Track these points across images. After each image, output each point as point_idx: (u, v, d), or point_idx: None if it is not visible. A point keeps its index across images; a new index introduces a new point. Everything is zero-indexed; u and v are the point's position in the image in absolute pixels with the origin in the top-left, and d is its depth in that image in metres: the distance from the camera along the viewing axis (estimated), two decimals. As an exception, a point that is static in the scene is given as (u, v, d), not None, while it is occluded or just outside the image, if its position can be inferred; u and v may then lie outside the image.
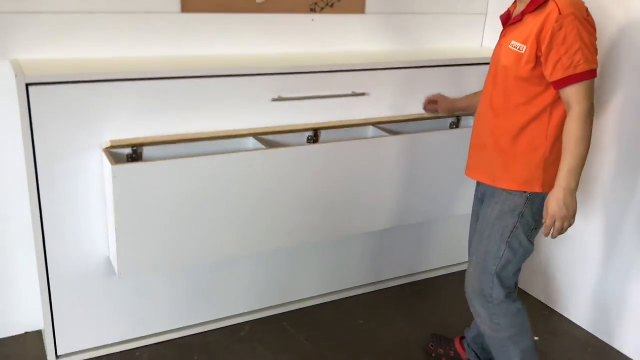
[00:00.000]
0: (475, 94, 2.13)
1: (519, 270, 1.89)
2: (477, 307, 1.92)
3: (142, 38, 2.11)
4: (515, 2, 1.86)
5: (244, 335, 2.33)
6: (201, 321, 2.33)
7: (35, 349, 2.17)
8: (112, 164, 1.80)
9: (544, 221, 1.72)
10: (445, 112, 2.33)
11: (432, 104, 2.32)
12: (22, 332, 2.25)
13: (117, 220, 1.85)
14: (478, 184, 1.99)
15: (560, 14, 1.63)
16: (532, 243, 1.85)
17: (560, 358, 2.31)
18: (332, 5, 2.41)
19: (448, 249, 2.84)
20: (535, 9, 1.70)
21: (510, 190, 1.80)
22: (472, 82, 2.42)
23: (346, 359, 2.23)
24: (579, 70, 1.64)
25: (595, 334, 2.44)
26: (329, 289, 2.58)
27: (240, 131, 2.11)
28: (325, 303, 2.55)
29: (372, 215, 2.35)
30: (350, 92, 2.27)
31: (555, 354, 2.33)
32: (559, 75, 1.66)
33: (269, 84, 2.11)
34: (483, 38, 2.82)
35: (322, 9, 2.39)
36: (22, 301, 2.21)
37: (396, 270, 2.74)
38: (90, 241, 2.01)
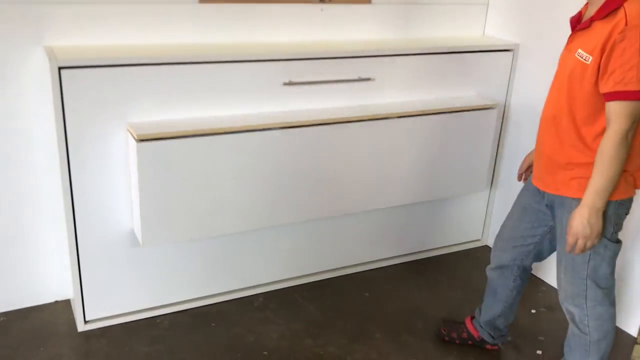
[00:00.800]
0: None
1: (613, 269, 1.83)
2: (570, 307, 1.88)
3: (163, 27, 2.27)
4: (587, 2, 1.77)
5: (258, 305, 2.49)
6: (217, 292, 2.49)
7: (65, 316, 2.35)
8: (136, 140, 1.95)
9: (567, 237, 1.72)
10: None
11: (527, 172, 2.10)
12: (53, 300, 2.43)
13: (141, 195, 2.01)
14: (534, 187, 1.92)
15: (626, 24, 1.56)
16: (617, 241, 1.80)
17: (556, 329, 2.44)
18: (340, -4, 2.55)
19: (462, 226, 3.01)
20: (606, 16, 1.63)
21: (580, 199, 1.70)
22: (478, 69, 2.59)
23: (352, 326, 2.38)
24: (629, 87, 1.58)
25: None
26: (339, 263, 2.74)
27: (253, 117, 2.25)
28: (334, 277, 2.71)
29: (384, 192, 2.53)
30: (356, 77, 2.41)
31: (551, 325, 2.47)
32: (608, 87, 1.61)
33: (280, 69, 2.26)
34: (485, 27, 2.94)
35: (331, -1, 2.54)
36: (53, 271, 2.38)
37: (407, 246, 2.89)
38: (116, 214, 2.17)
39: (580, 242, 1.68)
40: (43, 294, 2.41)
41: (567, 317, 1.92)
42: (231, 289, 2.52)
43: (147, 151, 1.96)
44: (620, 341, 2.36)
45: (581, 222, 1.66)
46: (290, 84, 2.28)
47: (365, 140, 2.39)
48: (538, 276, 2.80)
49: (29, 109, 2.16)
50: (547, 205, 1.89)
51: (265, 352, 2.22)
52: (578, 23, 1.78)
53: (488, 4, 2.91)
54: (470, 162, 2.67)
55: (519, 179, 2.12)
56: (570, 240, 1.69)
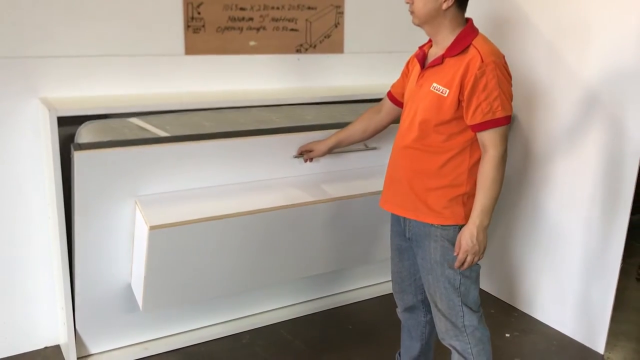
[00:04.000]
0: (347, 129, 2.15)
1: (478, 289, 1.92)
2: (452, 342, 1.92)
3: (152, 77, 2.40)
4: (430, 41, 1.91)
5: (245, 343, 2.56)
6: (206, 331, 2.57)
7: (56, 361, 2.38)
8: (148, 228, 1.94)
9: (455, 254, 1.79)
10: (322, 155, 2.24)
11: (307, 153, 2.24)
12: (42, 346, 2.45)
13: (146, 273, 2.04)
14: (397, 221, 1.98)
15: (482, 61, 1.70)
16: (477, 262, 1.86)
17: (530, 350, 2.59)
18: (315, 47, 2.75)
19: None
20: (457, 54, 1.76)
21: (445, 225, 1.82)
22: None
23: (340, 358, 2.48)
24: (497, 115, 1.72)
25: (561, 330, 2.73)
26: (321, 300, 2.85)
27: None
28: (316, 312, 2.81)
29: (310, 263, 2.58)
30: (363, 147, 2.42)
31: (525, 347, 2.62)
32: (477, 119, 1.73)
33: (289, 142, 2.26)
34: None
35: (307, 49, 2.73)
36: (42, 318, 2.41)
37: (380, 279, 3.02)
38: (114, 267, 2.20)
39: (469, 258, 1.77)
40: (33, 340, 2.43)
41: (451, 350, 1.95)
42: (220, 330, 2.59)
43: (158, 237, 1.99)
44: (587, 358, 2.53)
45: (471, 239, 1.75)
46: (301, 156, 2.29)
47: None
48: (510, 303, 2.96)
49: (22, 158, 2.24)
50: (409, 239, 1.94)
51: (258, 386, 2.29)
52: (423, 59, 1.89)
53: (449, 52, 3.14)
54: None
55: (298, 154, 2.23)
56: (461, 256, 1.77)
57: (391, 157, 1.97)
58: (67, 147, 2.12)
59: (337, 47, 2.81)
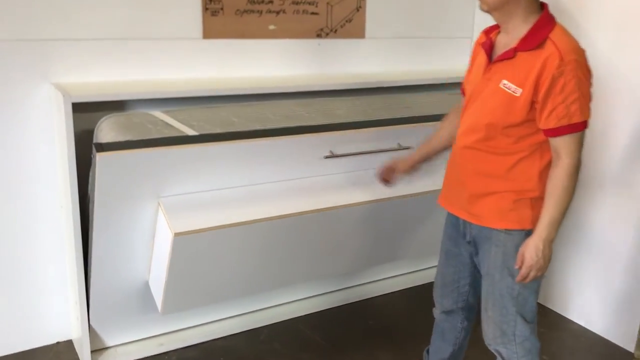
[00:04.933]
0: (431, 139, 1.96)
1: (536, 301, 1.77)
2: (499, 348, 1.79)
3: (168, 62, 2.30)
4: (496, 28, 1.73)
5: (263, 338, 2.48)
6: (224, 324, 2.49)
7: (68, 357, 2.28)
8: (172, 234, 1.84)
9: (517, 266, 1.65)
10: (407, 173, 2.00)
11: (389, 172, 2.00)
12: (54, 341, 2.36)
13: (168, 278, 1.95)
14: (453, 224, 1.85)
15: (561, 59, 1.53)
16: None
17: (558, 347, 2.51)
18: (335, 31, 2.64)
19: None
20: (533, 49, 1.58)
21: (509, 230, 1.68)
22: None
23: (361, 355, 2.40)
24: (574, 120, 1.56)
25: (589, 328, 2.64)
26: (340, 294, 2.76)
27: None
28: (334, 307, 2.72)
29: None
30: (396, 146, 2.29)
31: (553, 345, 2.53)
32: (551, 123, 1.58)
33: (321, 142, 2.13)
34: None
35: (327, 34, 2.62)
36: (53, 312, 2.32)
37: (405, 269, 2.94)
38: (132, 265, 2.10)
39: (533, 273, 1.63)
40: (44, 335, 2.34)
41: (497, 356, 1.83)
42: (238, 324, 2.51)
43: (182, 244, 1.89)
44: (616, 356, 2.45)
45: (536, 254, 1.61)
46: (332, 156, 2.16)
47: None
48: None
49: (33, 146, 2.14)
50: (468, 242, 1.81)
51: (279, 384, 2.21)
52: (490, 49, 1.69)
53: (472, 38, 3.03)
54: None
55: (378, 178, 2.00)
56: (524, 271, 1.63)
57: (451, 156, 1.82)
58: (81, 135, 2.03)
59: (358, 32, 2.70)
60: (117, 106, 2.18)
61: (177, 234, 1.85)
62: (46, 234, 2.24)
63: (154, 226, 2.00)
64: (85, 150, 2.01)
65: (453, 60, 3.02)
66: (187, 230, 1.87)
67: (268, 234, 2.05)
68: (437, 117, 2.30)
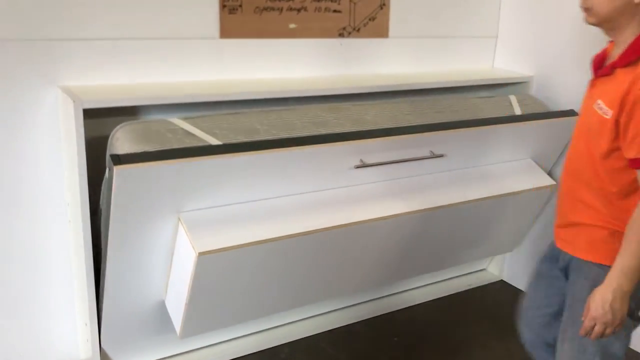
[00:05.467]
0: None
1: (626, 348, 1.56)
2: None
3: (182, 63, 2.13)
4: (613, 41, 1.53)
5: (285, 357, 2.32)
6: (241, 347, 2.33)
7: (77, 380, 2.13)
8: (196, 250, 1.69)
9: (582, 318, 1.46)
10: None
11: None
12: (61, 363, 2.20)
13: (189, 300, 1.80)
14: (551, 246, 1.71)
15: None
16: (634, 314, 1.51)
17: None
18: (358, 30, 2.48)
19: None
20: (628, 64, 1.40)
21: (601, 265, 1.50)
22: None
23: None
24: None
25: None
26: (361, 308, 2.62)
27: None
28: (357, 322, 2.57)
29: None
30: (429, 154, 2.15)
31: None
32: (632, 152, 1.38)
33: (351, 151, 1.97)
34: (494, 60, 2.92)
35: (350, 33, 2.46)
36: (63, 331, 2.16)
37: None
38: (148, 284, 1.94)
39: (598, 328, 1.42)
40: (51, 357, 2.17)
41: None
42: (252, 339, 2.36)
43: (206, 264, 1.74)
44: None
45: (602, 305, 1.39)
46: (363, 166, 2.00)
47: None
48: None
49: (38, 154, 1.97)
50: (561, 269, 1.65)
51: (305, 410, 2.06)
52: (600, 65, 1.54)
53: (497, 37, 2.89)
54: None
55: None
56: (587, 324, 1.43)
57: (561, 181, 1.66)
58: (91, 143, 1.86)
59: (382, 31, 2.54)
60: (129, 111, 2.02)
61: (201, 254, 1.69)
62: (52, 251, 2.07)
63: (172, 243, 1.84)
64: (96, 160, 1.85)
65: (477, 60, 2.87)
66: (211, 249, 1.72)
67: (296, 251, 1.90)
68: (472, 123, 2.17)
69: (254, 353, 2.32)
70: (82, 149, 1.79)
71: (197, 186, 1.76)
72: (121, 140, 1.74)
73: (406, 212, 2.06)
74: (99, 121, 1.91)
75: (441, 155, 2.15)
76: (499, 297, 2.85)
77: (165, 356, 2.21)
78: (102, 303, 1.93)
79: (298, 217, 1.89)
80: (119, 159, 1.60)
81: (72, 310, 2.14)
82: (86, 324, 2.02)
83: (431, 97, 2.52)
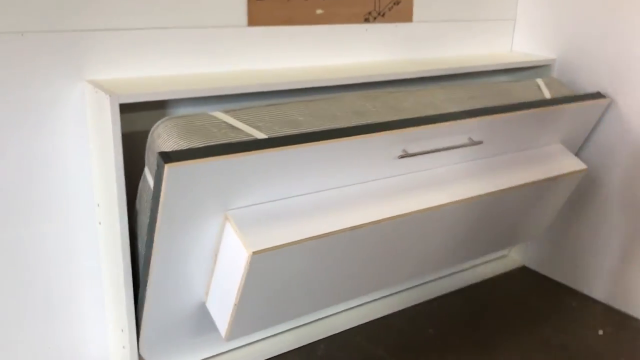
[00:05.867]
0: None
1: None
2: None
3: (209, 53, 2.03)
4: None
5: (321, 354, 2.26)
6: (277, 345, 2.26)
7: (111, 389, 2.03)
8: (249, 249, 1.61)
9: None
10: None
11: None
12: (92, 371, 2.10)
13: (240, 300, 1.72)
14: None
15: None
16: None
17: (631, 348, 2.37)
18: (383, 15, 2.40)
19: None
20: None
21: None
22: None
23: (432, 369, 2.21)
24: None
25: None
26: (394, 299, 2.56)
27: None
28: (390, 314, 2.52)
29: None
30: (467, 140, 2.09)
31: (625, 345, 2.39)
32: None
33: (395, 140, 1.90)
34: (512, 43, 2.88)
35: (375, 18, 2.38)
36: (90, 341, 2.06)
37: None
38: (190, 287, 1.85)
39: None
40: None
41: None
42: (287, 336, 2.29)
43: (259, 263, 1.66)
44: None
45: None
46: (407, 155, 1.93)
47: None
48: (591, 295, 2.73)
49: (67, 154, 1.86)
50: None
51: (353, 408, 2.00)
52: None
53: (515, 20, 2.84)
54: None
55: None
56: None
57: None
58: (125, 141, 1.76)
59: (406, 15, 2.47)
60: (154, 105, 1.93)
61: (255, 253, 1.61)
62: (80, 254, 1.96)
63: (217, 243, 1.75)
64: (127, 158, 1.75)
65: (495, 44, 2.83)
66: (264, 247, 1.63)
67: (347, 244, 1.83)
68: (512, 108, 2.12)
69: (291, 351, 2.26)
70: (118, 147, 1.69)
71: (244, 182, 1.67)
72: (164, 137, 1.64)
73: (453, 202, 2.00)
74: (127, 116, 1.80)
75: (480, 142, 2.09)
76: (524, 283, 2.83)
77: (203, 358, 2.12)
78: (141, 308, 1.83)
79: (347, 210, 1.82)
80: (169, 157, 1.50)
81: (102, 316, 2.05)
82: (122, 330, 1.93)
83: (460, 83, 2.46)
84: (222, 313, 1.82)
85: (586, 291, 2.73)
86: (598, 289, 2.69)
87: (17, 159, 1.77)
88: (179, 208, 1.60)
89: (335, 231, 1.75)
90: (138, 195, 1.80)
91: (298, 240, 1.69)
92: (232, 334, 1.82)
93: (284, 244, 1.66)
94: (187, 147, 1.59)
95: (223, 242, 1.73)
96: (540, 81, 2.48)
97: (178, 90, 1.75)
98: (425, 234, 2.05)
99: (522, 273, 2.93)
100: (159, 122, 1.70)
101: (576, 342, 2.38)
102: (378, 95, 2.08)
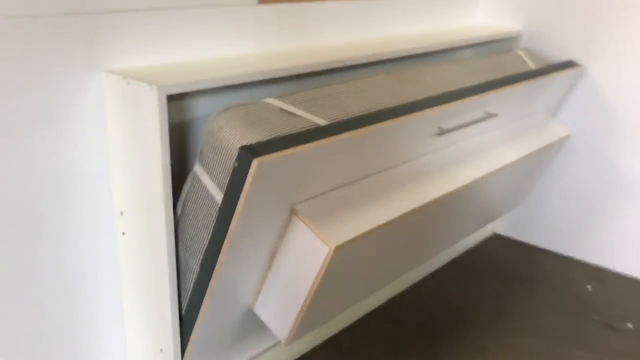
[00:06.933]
0: None
1: None
2: None
3: (221, 34, 1.84)
4: None
5: (347, 346, 2.18)
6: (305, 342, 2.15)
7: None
8: (330, 244, 1.48)
9: None
10: None
11: None
12: (115, 400, 1.86)
13: (313, 298, 1.59)
14: None
15: None
16: None
17: (620, 298, 2.53)
18: (375, -10, 2.33)
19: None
20: None
21: None
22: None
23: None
24: None
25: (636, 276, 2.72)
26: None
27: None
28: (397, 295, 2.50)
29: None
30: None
31: (613, 297, 2.55)
32: None
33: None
34: (476, 17, 2.92)
35: (367, -7, 2.30)
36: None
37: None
38: (246, 293, 1.69)
39: None
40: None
41: None
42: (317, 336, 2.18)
43: (338, 258, 1.54)
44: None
45: None
46: (443, 132, 1.89)
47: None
48: (562, 253, 2.88)
49: (84, 156, 1.60)
50: None
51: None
52: None
53: (479, -8, 2.89)
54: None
55: None
56: None
57: None
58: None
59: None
60: (182, 96, 1.73)
61: (337, 247, 1.49)
62: (98, 268, 1.72)
63: (277, 241, 1.61)
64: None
65: (459, 17, 2.85)
66: (345, 240, 1.52)
67: (415, 223, 1.79)
68: (516, 79, 2.17)
69: (319, 345, 2.15)
70: (165, 144, 1.47)
71: (308, 173, 1.54)
72: (227, 129, 1.46)
73: (490, 173, 2.03)
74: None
75: (496, 115, 2.11)
76: (502, 250, 2.93)
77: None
78: (191, 323, 1.64)
79: (409, 190, 1.76)
80: (254, 150, 1.34)
81: (122, 335, 1.82)
82: (162, 350, 1.72)
83: (449, 57, 2.46)
84: (283, 317, 1.68)
85: (562, 251, 2.89)
86: (574, 248, 2.85)
87: (26, 163, 1.50)
88: (255, 207, 1.44)
89: (408, 211, 1.68)
90: (183, 197, 1.60)
91: (375, 227, 1.59)
92: (295, 337, 1.69)
93: (362, 233, 1.56)
94: (258, 140, 1.43)
95: (289, 239, 1.59)
96: (521, 53, 2.55)
97: (231, 76, 1.56)
98: (456, 208, 2.04)
99: (497, 240, 3.03)
100: (215, 113, 1.51)
101: (569, 298, 2.50)
102: (401, 72, 2.02)
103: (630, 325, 2.36)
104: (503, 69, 2.34)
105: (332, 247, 1.49)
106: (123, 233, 1.70)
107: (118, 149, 1.61)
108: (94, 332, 1.76)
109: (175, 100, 1.71)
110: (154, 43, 1.67)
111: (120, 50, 1.60)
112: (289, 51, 2.00)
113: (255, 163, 1.32)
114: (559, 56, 2.68)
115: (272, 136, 1.45)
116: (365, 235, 1.58)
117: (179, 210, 1.62)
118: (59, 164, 1.56)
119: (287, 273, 1.63)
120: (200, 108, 1.81)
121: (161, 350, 1.72)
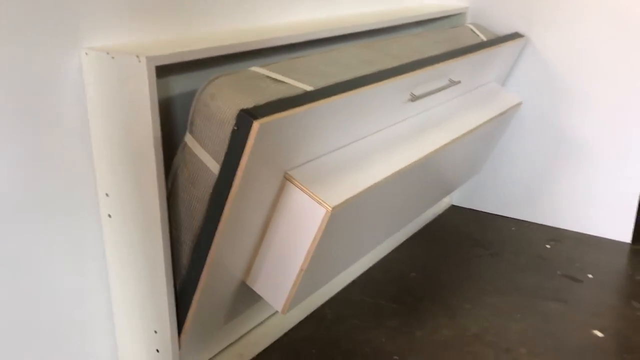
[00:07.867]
0: None
1: None
2: None
3: (205, 11, 1.84)
4: None
5: (332, 318, 2.21)
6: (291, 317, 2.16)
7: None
8: (328, 206, 1.51)
9: None
10: None
11: None
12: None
13: (311, 262, 1.60)
14: None
15: None
16: None
17: (580, 253, 2.68)
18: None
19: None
20: None
21: None
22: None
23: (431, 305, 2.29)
24: None
25: (586, 232, 2.88)
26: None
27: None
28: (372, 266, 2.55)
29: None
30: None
31: (573, 252, 2.70)
32: None
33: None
34: (421, -5, 3.02)
35: (325, -28, 2.34)
36: (99, 349, 1.77)
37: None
38: (239, 265, 1.69)
39: None
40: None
41: None
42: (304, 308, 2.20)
43: (337, 217, 1.57)
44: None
45: None
46: (416, 98, 1.96)
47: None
48: (518, 217, 3.02)
49: (66, 137, 1.56)
50: None
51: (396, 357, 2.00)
52: None
53: (423, -28, 2.98)
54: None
55: None
56: None
57: None
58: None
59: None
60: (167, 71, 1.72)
61: (335, 208, 1.52)
62: (83, 252, 1.67)
63: (270, 209, 1.62)
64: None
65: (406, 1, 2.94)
66: (341, 201, 1.55)
67: (400, 182, 1.86)
68: (477, 48, 2.27)
69: (304, 319, 2.17)
70: (156, 118, 1.46)
71: (299, 137, 1.56)
72: (219, 97, 1.46)
73: (460, 136, 2.12)
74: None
75: (459, 82, 2.19)
76: (461, 219, 3.03)
77: (230, 342, 1.96)
78: (187, 300, 1.63)
79: (395, 152, 1.83)
80: (253, 113, 1.35)
81: (110, 322, 1.77)
82: (156, 332, 1.69)
83: (404, 33, 2.54)
84: (278, 286, 1.69)
85: (518, 216, 3.03)
86: (530, 213, 2.99)
87: (2, 148, 1.44)
88: (253, 172, 1.45)
89: (393, 172, 1.74)
90: (172, 172, 1.59)
91: (368, 187, 1.64)
92: (291, 305, 1.71)
93: (357, 194, 1.60)
94: (254, 104, 1.44)
95: (283, 205, 1.60)
96: (472, 26, 2.66)
97: (221, 46, 1.56)
98: (431, 172, 2.12)
99: (456, 211, 3.13)
100: (207, 82, 1.50)
101: (531, 257, 2.63)
102: (371, 45, 2.07)
103: (590, 275, 2.51)
104: (458, 41, 2.44)
105: (329, 209, 1.52)
106: (109, 215, 1.66)
107: (101, 129, 1.57)
108: (81, 323, 1.71)
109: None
110: (134, 21, 1.64)
111: (98, 27, 1.56)
112: (259, 29, 2.01)
113: (256, 125, 1.33)
114: (504, 30, 2.81)
115: (266, 101, 1.47)
116: (360, 195, 1.61)
117: (168, 186, 1.61)
118: (38, 149, 1.50)
119: (283, 240, 1.64)
120: (178, 86, 1.80)
121: (156, 332, 1.70)
